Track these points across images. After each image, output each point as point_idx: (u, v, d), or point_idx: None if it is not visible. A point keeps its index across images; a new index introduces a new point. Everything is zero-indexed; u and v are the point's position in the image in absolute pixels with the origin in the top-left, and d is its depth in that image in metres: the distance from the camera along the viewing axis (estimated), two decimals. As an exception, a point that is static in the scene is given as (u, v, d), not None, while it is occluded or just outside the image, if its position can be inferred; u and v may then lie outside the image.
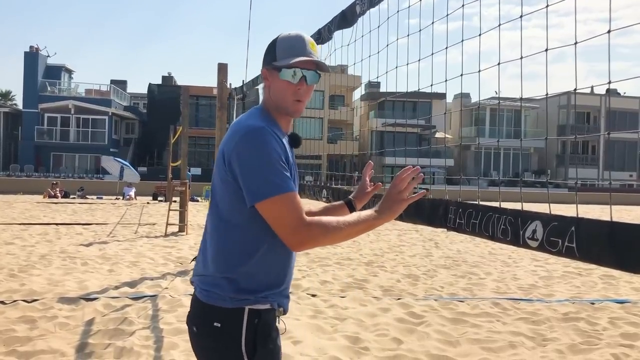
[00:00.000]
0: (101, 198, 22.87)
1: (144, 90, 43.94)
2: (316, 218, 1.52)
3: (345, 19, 3.73)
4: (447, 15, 2.64)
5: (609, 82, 1.84)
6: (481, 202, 2.21)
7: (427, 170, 32.69)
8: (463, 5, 2.52)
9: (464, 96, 42.28)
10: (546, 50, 2.07)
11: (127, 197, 22.82)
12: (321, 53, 4.25)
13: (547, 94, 2.20)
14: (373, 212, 1.61)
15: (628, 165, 46.30)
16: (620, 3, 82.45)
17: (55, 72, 40.24)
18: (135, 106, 46.12)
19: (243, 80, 6.80)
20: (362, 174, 1.96)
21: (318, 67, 1.62)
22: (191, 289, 1.73)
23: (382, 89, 38.65)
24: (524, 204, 2.14)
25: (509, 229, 1.99)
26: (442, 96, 41.82)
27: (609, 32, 1.76)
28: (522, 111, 45.84)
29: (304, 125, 41.47)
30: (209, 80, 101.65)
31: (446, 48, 2.61)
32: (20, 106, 41.65)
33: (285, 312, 1.66)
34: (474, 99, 42.75)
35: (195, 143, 39.15)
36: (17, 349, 3.69)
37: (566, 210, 2.26)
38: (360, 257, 8.42)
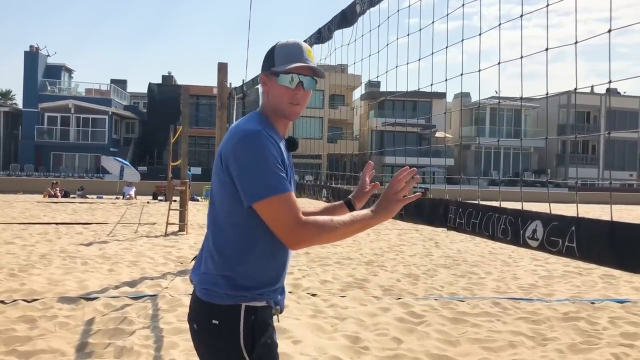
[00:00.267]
0: (101, 197, 22.86)
1: (144, 89, 43.94)
2: (312, 217, 1.57)
3: (346, 19, 3.73)
4: (447, 14, 2.64)
5: (609, 82, 1.84)
6: (481, 202, 2.21)
7: (427, 170, 32.72)
8: (463, 5, 2.52)
9: (464, 96, 42.29)
10: (546, 49, 2.07)
11: (127, 196, 22.81)
12: (320, 55, 4.26)
13: (547, 94, 2.20)
14: (369, 212, 1.67)
15: (628, 165, 46.28)
16: (621, 3, 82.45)
17: (55, 71, 40.19)
18: (135, 106, 46.07)
19: (243, 80, 6.81)
20: (362, 174, 2.00)
21: (315, 73, 1.69)
22: (191, 288, 1.77)
23: (382, 89, 38.63)
24: (524, 203, 2.14)
25: (509, 229, 1.99)
26: (442, 96, 41.80)
27: (609, 31, 1.76)
28: (522, 111, 45.82)
29: (304, 124, 41.42)
30: (209, 79, 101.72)
31: (446, 47, 2.61)
32: (20, 105, 41.62)
33: (281, 310, 1.72)
34: (474, 98, 42.73)
35: (195, 142, 39.19)
36: (17, 349, 3.70)
37: (566, 210, 2.26)
38: (361, 256, 8.42)
